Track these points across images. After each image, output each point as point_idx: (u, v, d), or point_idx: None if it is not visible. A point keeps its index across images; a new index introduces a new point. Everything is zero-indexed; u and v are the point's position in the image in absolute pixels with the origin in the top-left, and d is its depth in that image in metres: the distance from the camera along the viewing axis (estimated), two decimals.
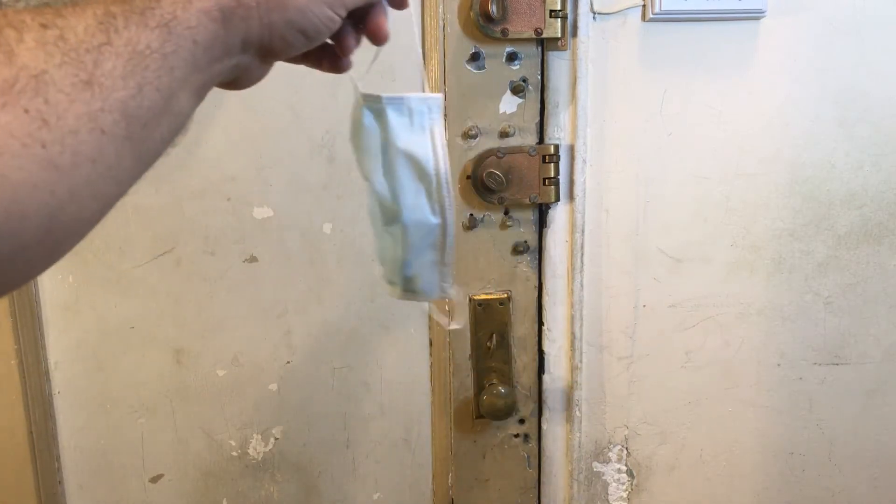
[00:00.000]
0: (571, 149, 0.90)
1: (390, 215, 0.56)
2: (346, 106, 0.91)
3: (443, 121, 0.55)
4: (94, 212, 0.36)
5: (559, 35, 0.86)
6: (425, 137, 0.55)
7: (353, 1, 0.47)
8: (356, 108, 0.55)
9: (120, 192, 0.38)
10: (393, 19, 0.91)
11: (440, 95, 0.55)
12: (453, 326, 0.62)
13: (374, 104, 0.54)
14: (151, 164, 0.39)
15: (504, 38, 0.85)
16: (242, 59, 0.44)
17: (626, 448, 0.99)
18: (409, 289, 0.60)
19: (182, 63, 0.38)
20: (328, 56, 0.53)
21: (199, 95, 0.41)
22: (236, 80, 0.46)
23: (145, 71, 0.36)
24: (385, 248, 0.59)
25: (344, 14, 0.47)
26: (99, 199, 0.36)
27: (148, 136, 0.37)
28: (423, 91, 0.56)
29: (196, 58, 0.39)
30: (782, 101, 0.91)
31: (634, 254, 0.93)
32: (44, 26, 0.34)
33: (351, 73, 0.54)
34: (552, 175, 0.89)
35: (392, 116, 0.54)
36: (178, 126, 0.40)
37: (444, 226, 0.57)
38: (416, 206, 0.55)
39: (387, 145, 0.54)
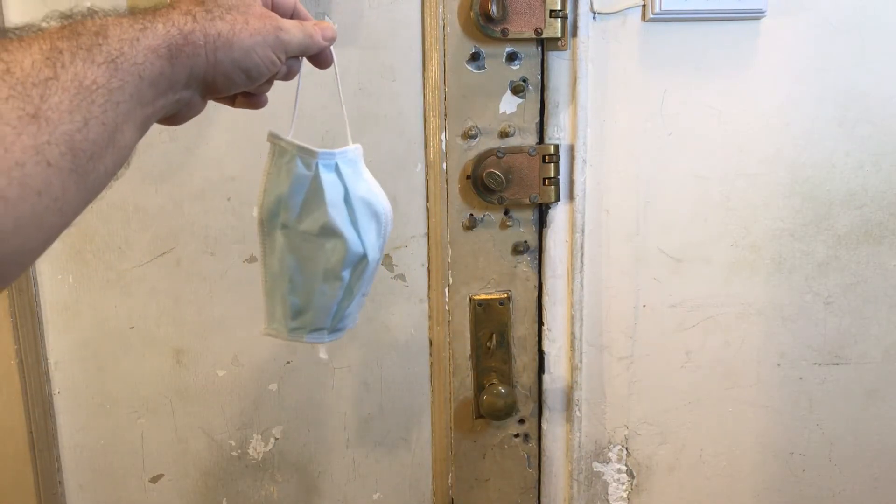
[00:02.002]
0: (571, 149, 0.90)
1: (348, 261, 0.60)
2: (346, 105, 0.91)
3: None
4: (39, 243, 0.37)
5: (559, 35, 0.86)
6: (368, 183, 0.60)
7: (294, 48, 0.50)
8: (287, 160, 0.58)
9: (64, 223, 0.38)
10: (392, 19, 0.92)
11: (359, 145, 0.61)
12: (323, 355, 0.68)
13: (327, 160, 0.58)
14: (95, 196, 0.40)
15: (504, 38, 0.85)
16: (185, 95, 0.45)
17: (626, 448, 0.99)
18: (336, 328, 0.64)
19: (128, 98, 0.39)
20: (243, 93, 0.55)
21: (143, 129, 0.42)
22: (176, 115, 0.47)
23: (91, 105, 0.37)
24: (317, 297, 0.61)
25: (284, 59, 0.50)
26: (44, 231, 0.36)
27: (93, 169, 0.38)
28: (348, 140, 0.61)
29: (141, 93, 0.40)
30: (782, 101, 0.91)
31: (634, 254, 0.93)
32: None
33: (280, 133, 0.59)
34: (552, 175, 0.89)
35: (344, 169, 0.59)
36: (122, 159, 0.41)
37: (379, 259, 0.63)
38: (375, 246, 0.61)
39: (348, 195, 0.59)
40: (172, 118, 0.48)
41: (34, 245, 0.36)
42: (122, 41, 0.39)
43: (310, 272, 0.60)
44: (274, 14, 0.49)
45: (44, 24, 0.39)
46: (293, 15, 0.54)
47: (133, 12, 0.42)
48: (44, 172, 0.35)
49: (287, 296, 0.61)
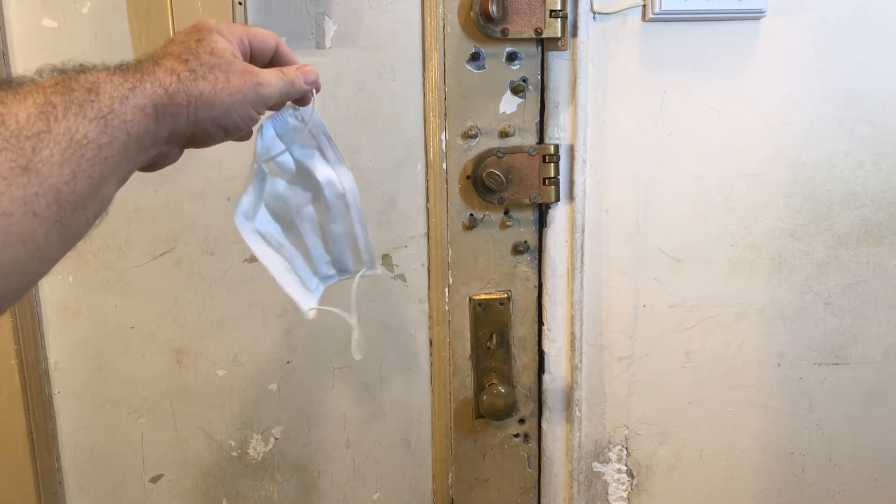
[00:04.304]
0: (571, 149, 0.90)
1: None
2: (346, 105, 0.91)
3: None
4: (19, 288, 0.38)
5: (559, 35, 0.86)
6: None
7: (274, 100, 0.52)
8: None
9: (44, 270, 0.40)
10: (392, 19, 0.92)
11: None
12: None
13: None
14: (74, 245, 0.42)
15: (504, 37, 0.85)
16: (164, 149, 0.47)
17: (626, 448, 0.99)
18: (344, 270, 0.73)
19: (115, 153, 0.41)
20: None
21: (123, 181, 0.44)
22: (153, 164, 0.50)
23: (81, 159, 0.39)
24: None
25: (264, 112, 0.53)
26: (24, 277, 0.38)
27: (76, 220, 0.40)
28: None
29: (128, 148, 0.42)
30: (782, 101, 0.91)
31: (634, 254, 0.93)
32: None
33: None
34: (552, 175, 0.89)
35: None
36: (102, 209, 0.43)
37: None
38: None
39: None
40: (150, 166, 0.50)
41: (13, 291, 0.38)
42: (113, 98, 0.41)
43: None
44: (254, 69, 0.50)
45: (37, 77, 0.41)
46: (274, 56, 0.55)
47: (122, 68, 0.44)
48: (30, 223, 0.36)
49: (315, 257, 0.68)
